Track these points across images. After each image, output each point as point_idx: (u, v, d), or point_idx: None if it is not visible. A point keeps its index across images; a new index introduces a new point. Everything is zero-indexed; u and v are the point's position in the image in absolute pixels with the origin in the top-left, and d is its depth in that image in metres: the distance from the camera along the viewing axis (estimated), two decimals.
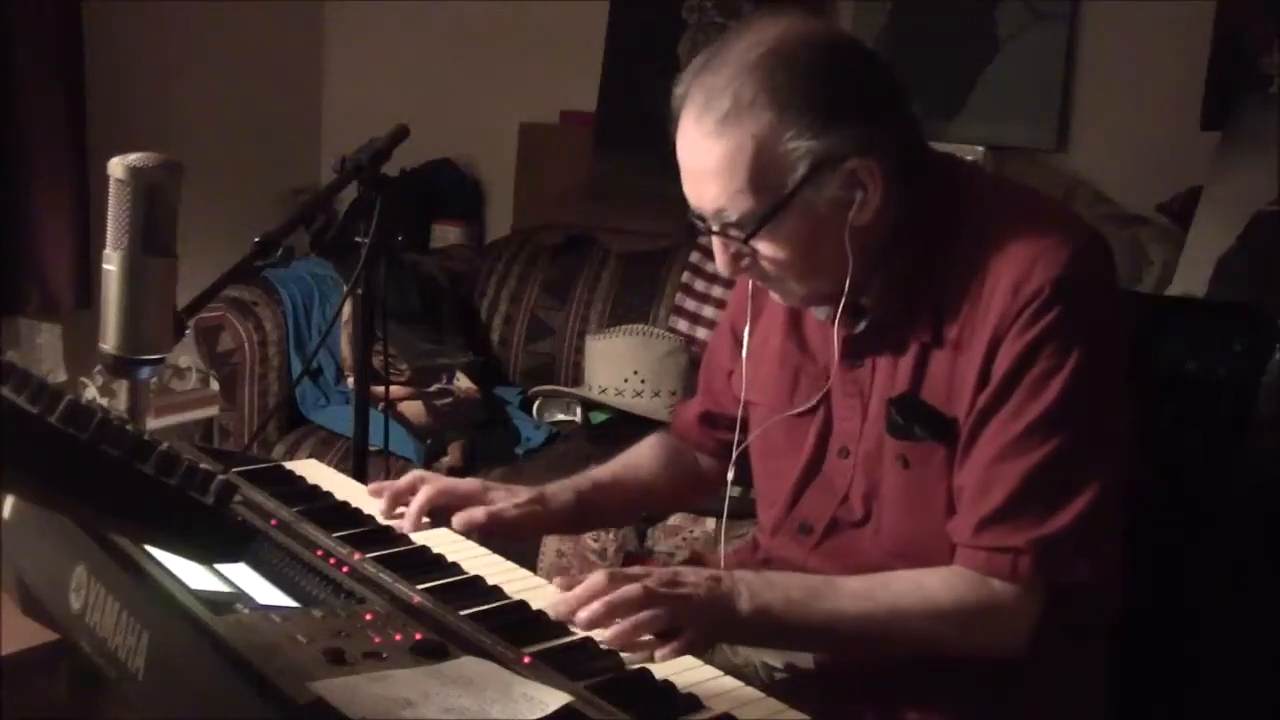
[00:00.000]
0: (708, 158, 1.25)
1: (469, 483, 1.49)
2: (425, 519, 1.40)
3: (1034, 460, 1.22)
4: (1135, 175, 2.92)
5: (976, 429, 1.26)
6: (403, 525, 1.39)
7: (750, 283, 1.48)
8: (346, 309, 2.67)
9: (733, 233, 1.27)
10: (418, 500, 1.41)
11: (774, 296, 1.39)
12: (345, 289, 2.02)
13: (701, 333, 3.11)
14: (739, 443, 1.51)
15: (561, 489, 1.53)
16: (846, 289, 1.29)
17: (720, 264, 1.33)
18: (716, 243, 1.31)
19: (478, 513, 1.41)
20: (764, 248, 1.27)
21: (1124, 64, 3.03)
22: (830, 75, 1.24)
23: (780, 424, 1.45)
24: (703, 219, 1.31)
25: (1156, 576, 1.37)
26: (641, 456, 1.66)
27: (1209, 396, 1.44)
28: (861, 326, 1.35)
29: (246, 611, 1.01)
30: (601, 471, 1.62)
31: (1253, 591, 1.43)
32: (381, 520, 1.41)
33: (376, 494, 1.45)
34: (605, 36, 3.68)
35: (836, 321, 1.35)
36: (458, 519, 1.40)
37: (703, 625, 1.18)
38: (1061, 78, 3.10)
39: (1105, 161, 3.01)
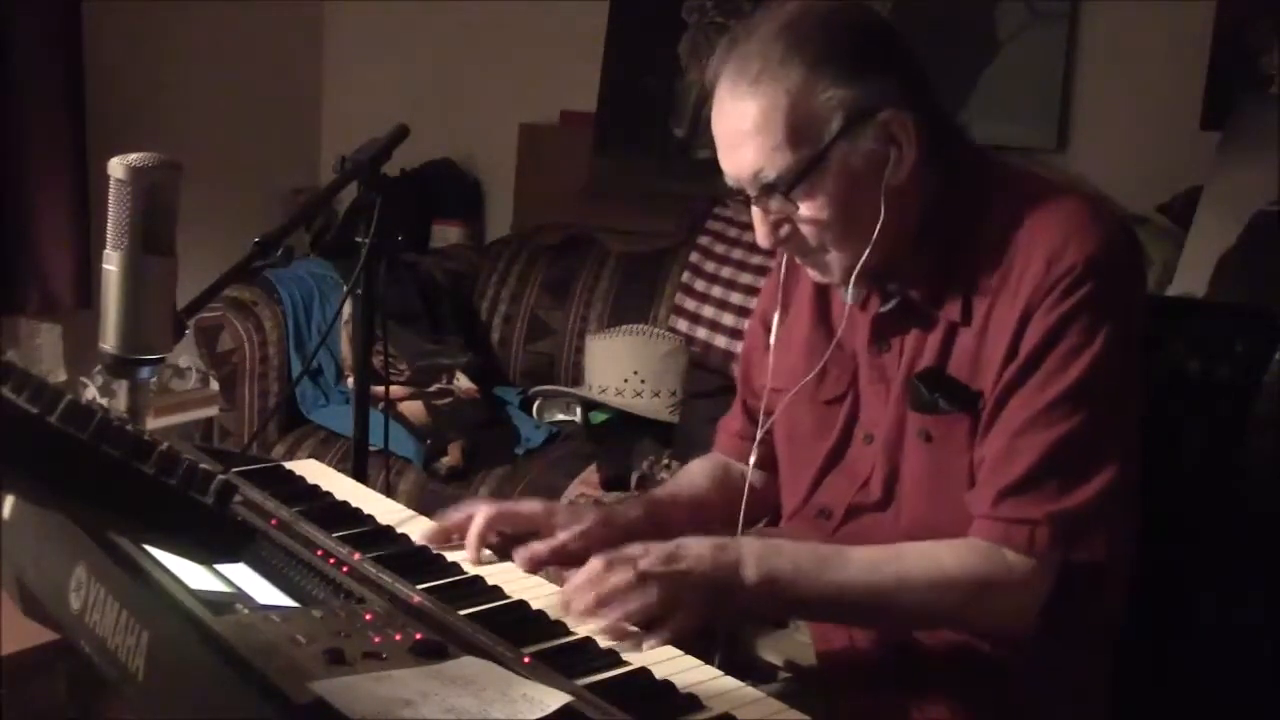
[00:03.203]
0: (743, 120, 1.26)
1: (529, 505, 1.42)
2: (486, 551, 1.34)
3: (1057, 434, 1.23)
4: (1135, 175, 2.91)
5: (1001, 401, 1.27)
6: (469, 555, 1.32)
7: (780, 274, 1.48)
8: (346, 309, 2.67)
9: (773, 196, 1.28)
10: (476, 522, 1.34)
11: (810, 274, 1.39)
12: (345, 289, 2.01)
13: (701, 333, 3.10)
14: (763, 428, 1.48)
15: (629, 507, 1.48)
16: (870, 247, 1.28)
17: (760, 235, 1.33)
18: (756, 213, 1.31)
19: (540, 549, 1.33)
20: (803, 208, 1.28)
21: (1124, 64, 3.03)
22: (854, 34, 1.28)
23: (809, 411, 1.45)
24: (741, 192, 1.31)
25: (1157, 576, 1.37)
26: (692, 476, 1.62)
27: (1210, 396, 1.44)
28: (890, 305, 1.36)
29: (246, 611, 1.01)
30: (660, 492, 1.59)
31: (1254, 592, 1.43)
32: (385, 522, 1.39)
33: (439, 536, 1.36)
34: (605, 36, 3.68)
35: (851, 291, 1.36)
36: (519, 556, 1.32)
37: (701, 600, 1.18)
38: (1061, 78, 3.09)
39: (1105, 161, 3.01)
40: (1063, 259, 1.24)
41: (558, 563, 1.34)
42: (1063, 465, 1.23)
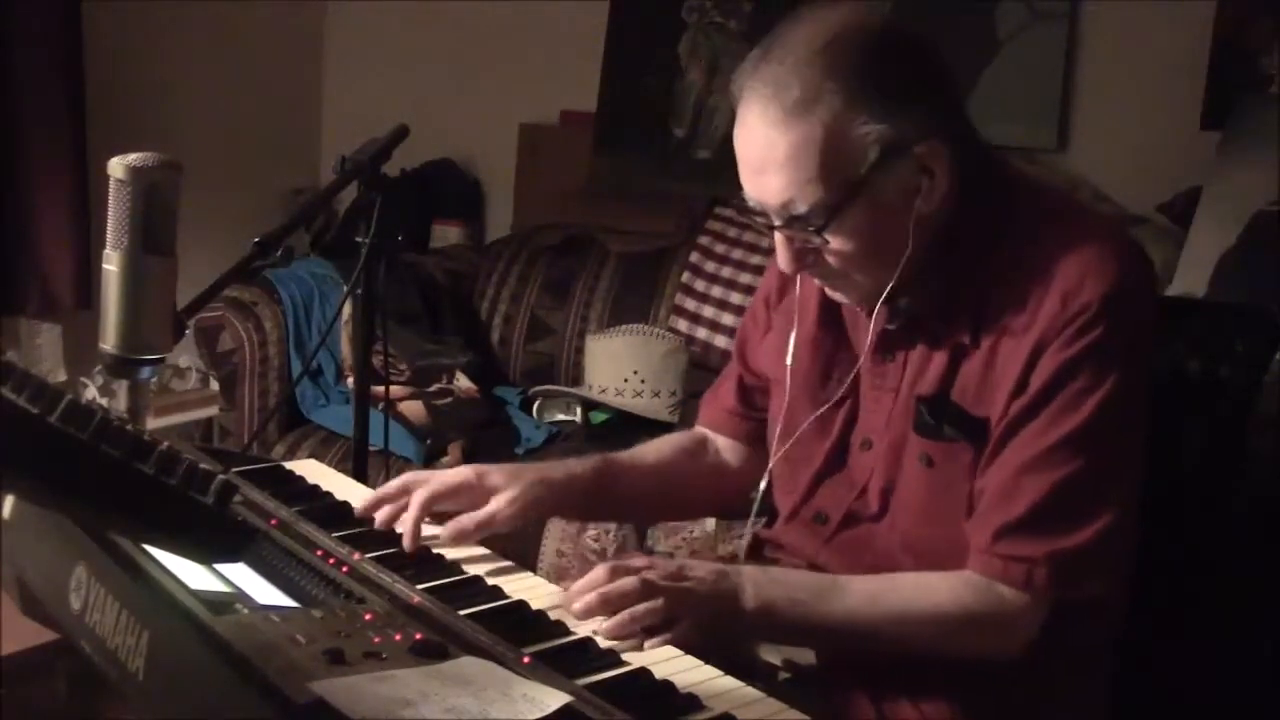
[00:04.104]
0: (774, 149, 1.22)
1: (461, 474, 1.40)
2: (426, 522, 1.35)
3: (1061, 474, 1.22)
4: (1135, 175, 2.92)
5: (1007, 435, 1.25)
6: (405, 544, 1.32)
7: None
8: (346, 309, 2.67)
9: (800, 226, 1.25)
10: (410, 515, 1.33)
11: (832, 295, 1.37)
12: (345, 289, 2.01)
13: (701, 333, 3.11)
14: (770, 434, 1.47)
15: (576, 464, 1.47)
16: (896, 275, 1.26)
17: (782, 260, 1.30)
18: (779, 238, 1.28)
19: (467, 525, 1.34)
20: (833, 240, 1.25)
21: (1124, 64, 3.03)
22: (894, 59, 1.23)
23: (809, 410, 1.43)
24: (764, 214, 1.27)
25: (1156, 577, 1.37)
26: (660, 445, 1.60)
27: (1210, 396, 1.44)
28: (899, 322, 1.34)
29: (246, 611, 1.01)
30: (620, 455, 1.57)
31: (1254, 592, 1.43)
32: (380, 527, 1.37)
33: (373, 508, 1.37)
34: (605, 36, 3.68)
35: (875, 312, 1.33)
36: (445, 533, 1.33)
37: (702, 617, 1.18)
38: (1061, 78, 3.10)
39: (1105, 161, 3.01)
40: (1078, 297, 1.22)
41: (488, 533, 1.34)
42: (1065, 506, 1.23)
